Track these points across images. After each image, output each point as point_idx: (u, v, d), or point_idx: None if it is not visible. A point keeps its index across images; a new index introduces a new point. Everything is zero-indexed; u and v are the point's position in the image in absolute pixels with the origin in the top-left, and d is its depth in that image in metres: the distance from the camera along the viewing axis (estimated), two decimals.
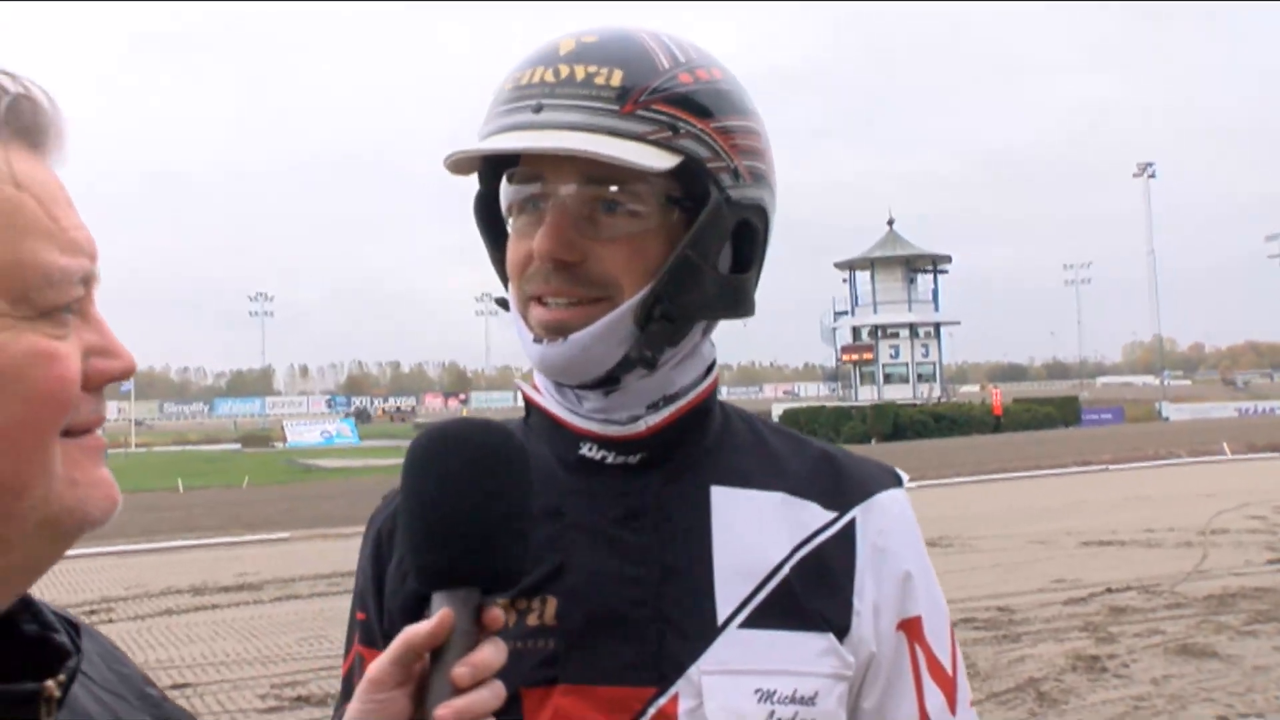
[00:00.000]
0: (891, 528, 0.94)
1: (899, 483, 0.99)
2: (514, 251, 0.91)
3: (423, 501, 0.70)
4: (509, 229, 0.94)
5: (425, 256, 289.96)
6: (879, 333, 46.90)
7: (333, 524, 13.99)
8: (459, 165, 0.90)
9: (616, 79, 0.85)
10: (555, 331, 0.87)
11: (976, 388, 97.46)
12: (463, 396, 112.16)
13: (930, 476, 17.83)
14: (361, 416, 66.98)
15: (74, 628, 0.62)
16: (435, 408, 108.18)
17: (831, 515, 0.93)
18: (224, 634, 7.61)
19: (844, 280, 49.30)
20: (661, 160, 0.84)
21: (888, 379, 46.74)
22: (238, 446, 48.44)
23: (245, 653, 6.98)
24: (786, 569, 0.90)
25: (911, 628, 0.93)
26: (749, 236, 0.92)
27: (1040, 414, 40.27)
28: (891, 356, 46.70)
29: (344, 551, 10.52)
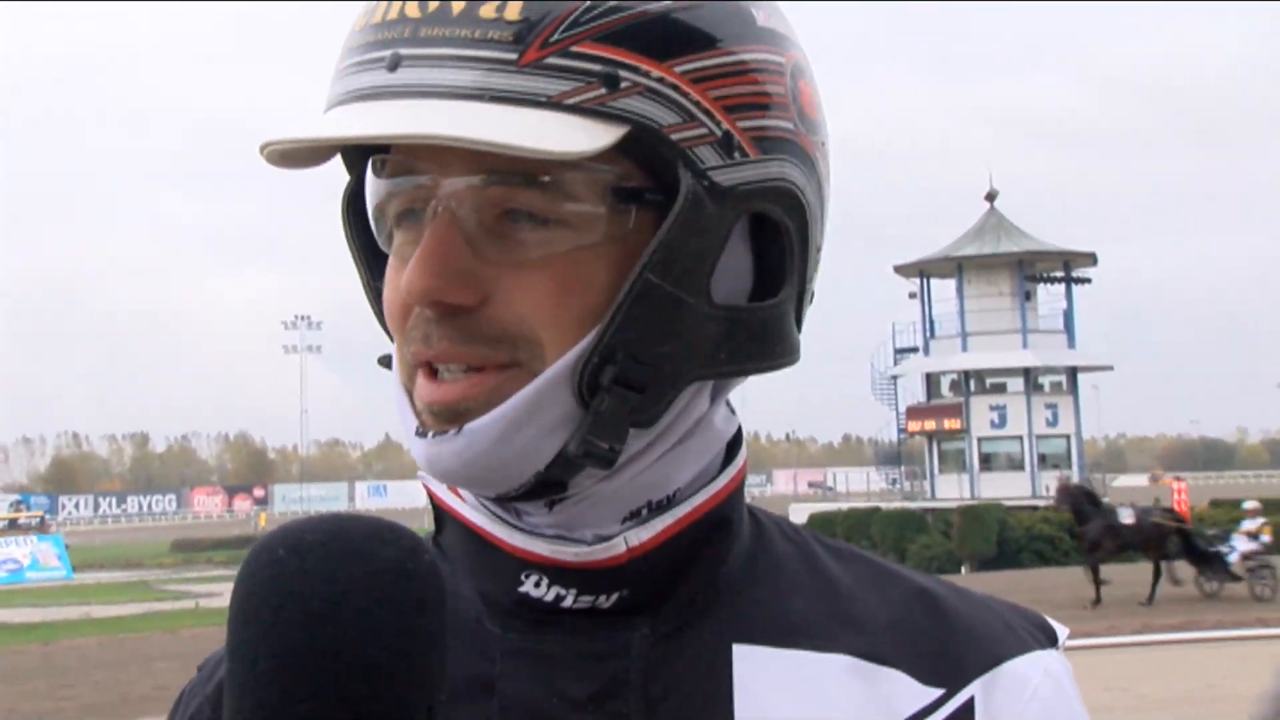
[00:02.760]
0: (1038, 719, 0.98)
1: (1052, 640, 1.03)
2: (390, 286, 0.95)
3: (274, 661, 0.71)
4: (386, 249, 0.98)
5: (187, 245, 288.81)
6: (971, 383, 47.38)
7: None
8: (282, 159, 0.93)
9: (514, 7, 0.86)
10: (446, 418, 0.90)
11: (1144, 479, 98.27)
12: (259, 493, 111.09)
13: None
14: None
15: None
16: (209, 511, 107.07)
17: (934, 694, 0.97)
18: None
19: (911, 295, 49.95)
20: (590, 137, 0.85)
21: (987, 463, 47.21)
22: None
23: None
24: None
25: None
26: (772, 238, 0.97)
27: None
28: (994, 425, 47.24)
29: None
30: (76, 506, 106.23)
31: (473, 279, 0.88)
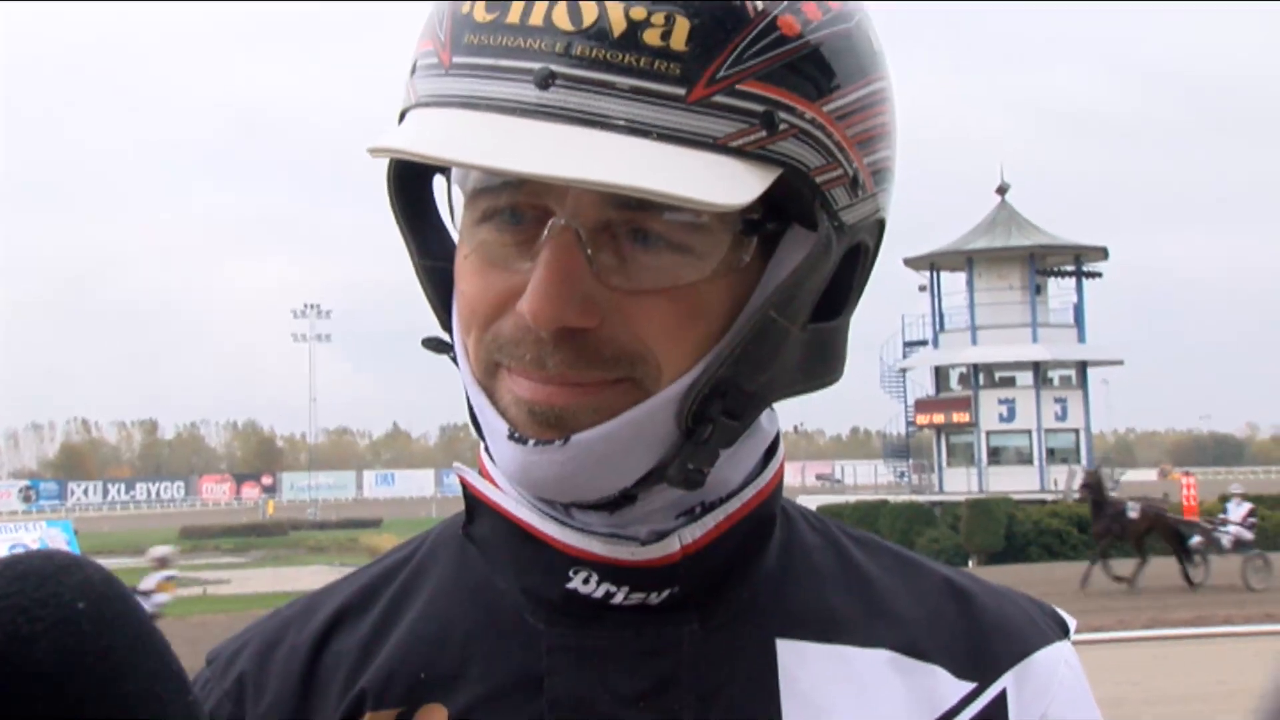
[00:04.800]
0: (1063, 707, 1.01)
1: (1065, 631, 1.06)
2: (474, 285, 0.92)
3: None
4: (456, 230, 0.95)
5: (197, 234, 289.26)
6: (980, 377, 47.39)
7: None
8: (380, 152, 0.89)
9: (680, 35, 0.82)
10: (548, 422, 0.88)
11: (1153, 474, 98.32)
12: (267, 481, 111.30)
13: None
14: None
15: None
16: (218, 498, 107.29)
17: (968, 687, 0.99)
18: None
19: (921, 288, 49.93)
20: (749, 185, 0.83)
21: (995, 457, 47.27)
22: None
23: None
24: None
25: None
26: (853, 262, 0.96)
27: (1273, 523, 40.21)
28: (1003, 418, 47.27)
29: None
30: (85, 493, 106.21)
31: (593, 303, 0.86)
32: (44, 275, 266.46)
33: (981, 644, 1.01)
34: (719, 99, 0.83)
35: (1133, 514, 23.88)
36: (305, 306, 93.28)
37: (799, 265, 0.88)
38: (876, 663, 0.98)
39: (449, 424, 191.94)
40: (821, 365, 0.97)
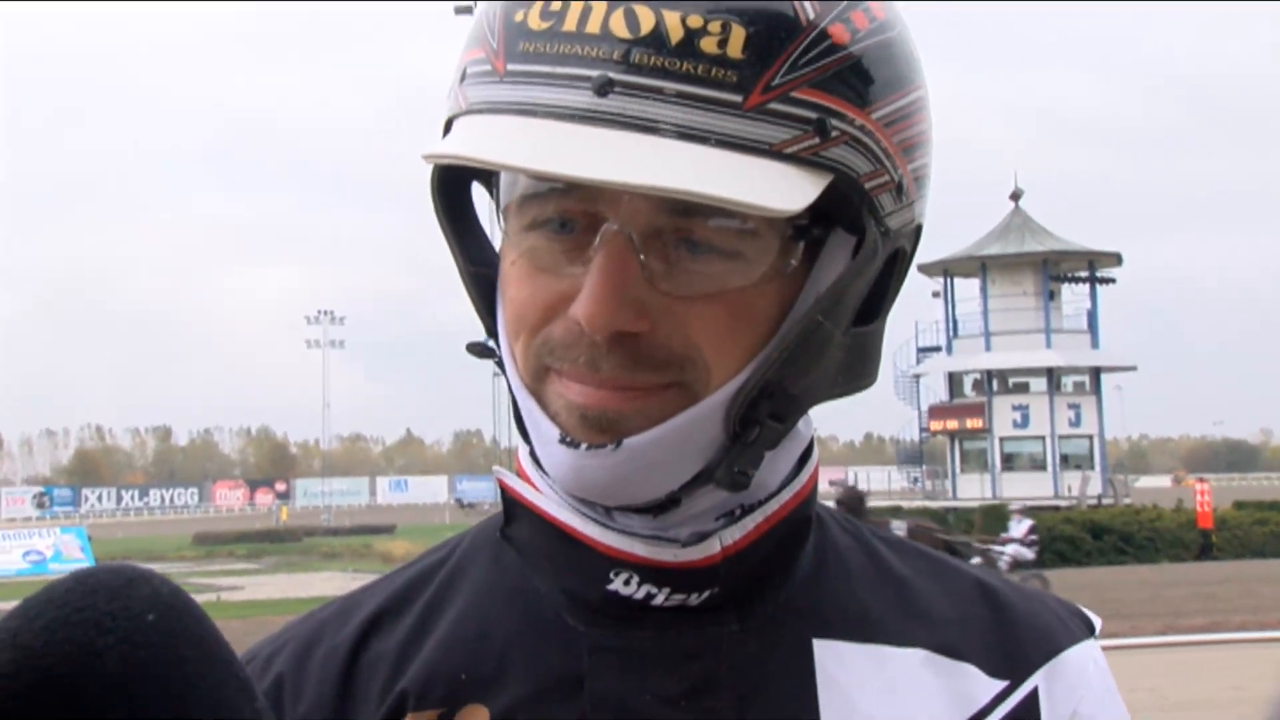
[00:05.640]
0: (1093, 705, 1.03)
1: (1091, 631, 1.08)
2: (523, 291, 0.93)
3: None
4: (505, 237, 0.96)
5: (211, 239, 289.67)
6: (994, 383, 47.32)
7: None
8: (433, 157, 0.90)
9: (736, 43, 0.83)
10: (600, 427, 0.89)
11: (1167, 480, 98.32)
12: (280, 487, 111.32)
13: None
14: None
15: None
16: (231, 504, 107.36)
17: (1000, 685, 1.01)
18: None
19: (935, 294, 49.84)
20: (803, 191, 0.84)
21: (1009, 463, 47.17)
22: None
23: None
24: None
25: None
26: (891, 268, 0.98)
27: None
28: (1017, 424, 47.18)
29: None
30: (99, 499, 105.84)
31: (646, 307, 0.87)
32: (59, 282, 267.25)
33: (1012, 643, 1.03)
34: (774, 106, 0.84)
35: (899, 534, 23.41)
36: (319, 312, 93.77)
37: (846, 270, 0.91)
38: (912, 662, 1.00)
39: (462, 430, 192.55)
40: (859, 369, 1.00)
